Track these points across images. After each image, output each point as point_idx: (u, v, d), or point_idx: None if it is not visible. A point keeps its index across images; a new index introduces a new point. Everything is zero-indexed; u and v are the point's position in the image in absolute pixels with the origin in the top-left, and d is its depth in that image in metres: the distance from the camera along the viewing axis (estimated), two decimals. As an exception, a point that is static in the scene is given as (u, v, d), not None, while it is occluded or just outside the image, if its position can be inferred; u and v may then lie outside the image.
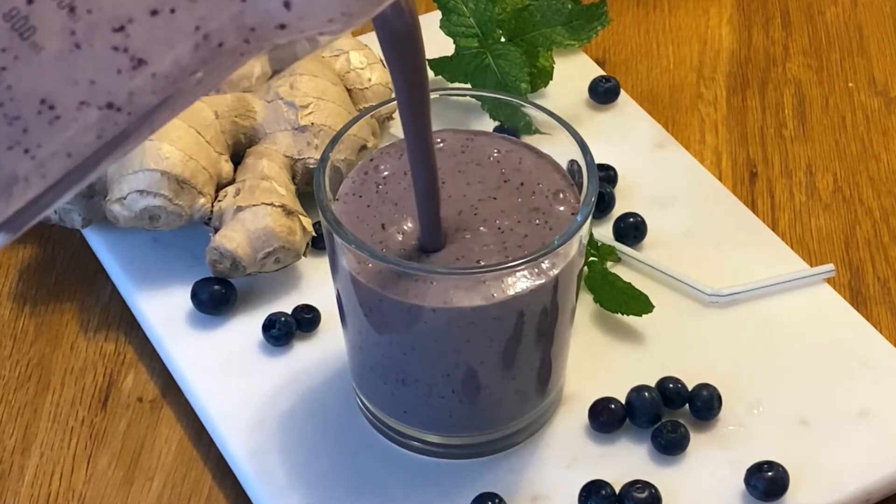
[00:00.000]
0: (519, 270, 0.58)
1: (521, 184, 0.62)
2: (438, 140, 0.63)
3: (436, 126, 0.58)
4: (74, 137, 0.39)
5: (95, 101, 0.39)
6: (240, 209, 0.70)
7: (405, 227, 0.60)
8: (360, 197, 0.61)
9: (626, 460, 0.65)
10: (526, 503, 0.63)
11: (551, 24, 0.80)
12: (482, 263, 0.58)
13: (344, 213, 0.61)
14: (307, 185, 0.74)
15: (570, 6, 0.80)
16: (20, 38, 0.38)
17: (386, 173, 0.62)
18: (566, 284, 0.61)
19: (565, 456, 0.65)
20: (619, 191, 0.77)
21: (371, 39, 0.82)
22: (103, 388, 0.70)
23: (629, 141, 0.80)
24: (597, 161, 0.62)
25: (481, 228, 0.60)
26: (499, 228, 0.60)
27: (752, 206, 0.78)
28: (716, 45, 0.89)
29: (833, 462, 0.65)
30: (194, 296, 0.71)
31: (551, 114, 0.63)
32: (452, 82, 0.80)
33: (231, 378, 0.69)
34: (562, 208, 0.61)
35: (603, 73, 0.84)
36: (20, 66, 0.38)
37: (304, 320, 0.70)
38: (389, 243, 0.60)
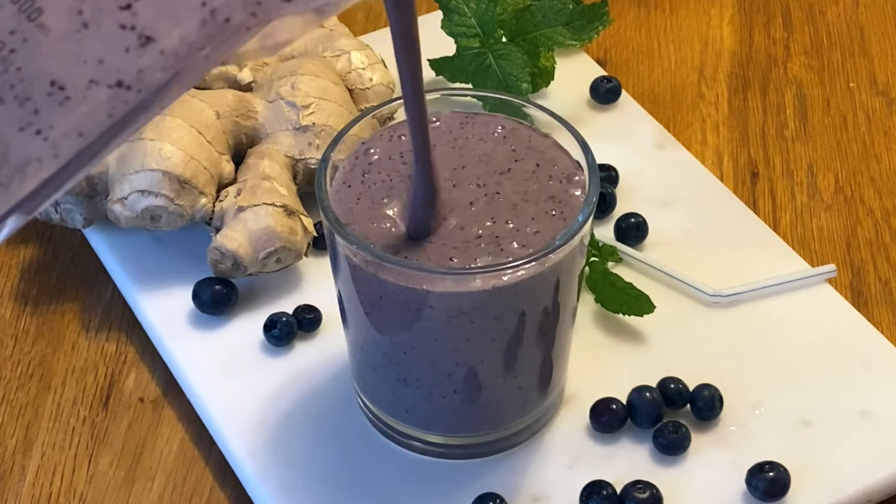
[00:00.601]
0: (520, 270, 0.58)
1: (538, 165, 0.61)
2: (434, 119, 0.63)
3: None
4: (85, 117, 0.39)
5: (105, 79, 0.39)
6: (241, 209, 0.70)
7: (394, 215, 0.60)
8: (350, 187, 0.61)
9: (627, 460, 0.65)
10: (527, 503, 0.63)
11: (552, 25, 0.80)
12: (484, 263, 0.58)
13: (336, 202, 0.60)
14: (308, 185, 0.74)
15: (571, 6, 0.80)
16: (28, 20, 0.38)
17: (376, 157, 0.62)
18: (567, 284, 0.61)
19: (566, 456, 0.65)
20: (621, 191, 0.77)
21: (372, 40, 0.82)
22: (104, 388, 0.70)
23: (630, 141, 0.80)
24: (598, 161, 0.62)
25: (487, 223, 0.59)
26: (508, 223, 0.59)
27: (754, 207, 0.78)
28: (717, 45, 0.88)
29: (834, 462, 0.65)
30: (195, 296, 0.71)
31: (552, 114, 0.63)
32: (454, 82, 0.80)
33: (232, 378, 0.69)
34: (577, 192, 0.60)
35: (604, 73, 0.84)
36: (29, 48, 0.39)
37: (306, 320, 0.70)
38: (381, 233, 0.59)
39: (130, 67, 0.39)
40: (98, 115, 0.39)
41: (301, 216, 0.71)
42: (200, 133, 0.72)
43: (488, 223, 0.59)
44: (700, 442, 0.66)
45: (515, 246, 0.58)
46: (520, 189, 0.60)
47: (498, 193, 0.60)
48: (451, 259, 0.58)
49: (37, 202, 0.41)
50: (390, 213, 0.60)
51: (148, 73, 0.39)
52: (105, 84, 0.39)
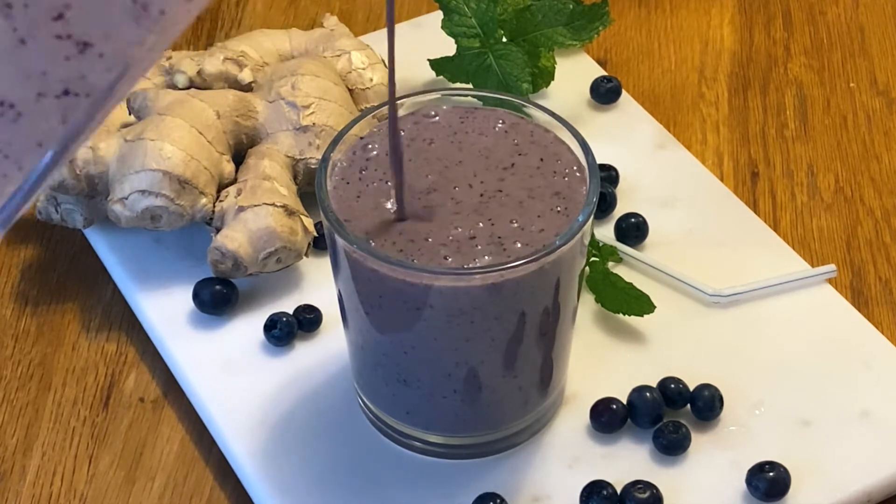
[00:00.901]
0: (520, 270, 0.58)
1: (541, 160, 0.61)
2: (433, 112, 0.63)
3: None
4: (40, 129, 0.40)
5: (51, 91, 0.39)
6: (241, 209, 0.70)
7: (393, 210, 0.60)
8: (349, 183, 0.61)
9: (627, 461, 0.65)
10: (527, 503, 0.63)
11: (553, 25, 0.80)
12: (484, 263, 0.58)
13: (335, 198, 0.60)
14: (309, 186, 0.74)
15: (571, 6, 0.80)
16: None
17: (374, 153, 0.62)
18: (567, 284, 0.61)
19: (567, 456, 0.65)
20: (621, 191, 0.77)
21: (372, 40, 0.82)
22: (105, 388, 0.70)
23: (631, 141, 0.80)
24: (598, 161, 0.62)
25: (490, 220, 0.59)
26: (513, 223, 0.59)
27: (754, 207, 0.78)
28: (717, 45, 0.88)
29: (834, 462, 0.65)
30: (196, 296, 0.71)
31: (553, 114, 0.63)
32: (454, 82, 0.80)
33: (233, 378, 0.69)
34: (582, 187, 0.60)
35: (604, 73, 0.84)
36: None
37: (306, 320, 0.70)
38: (381, 230, 0.59)
39: (73, 75, 0.39)
40: (52, 124, 0.40)
41: (301, 216, 0.71)
42: (201, 133, 0.72)
43: (491, 221, 0.59)
44: (700, 442, 0.66)
45: (518, 245, 0.58)
46: (525, 185, 0.60)
47: (500, 191, 0.60)
48: (445, 258, 0.58)
49: (10, 214, 0.41)
50: (389, 208, 0.60)
51: (92, 76, 0.39)
52: (52, 95, 0.39)
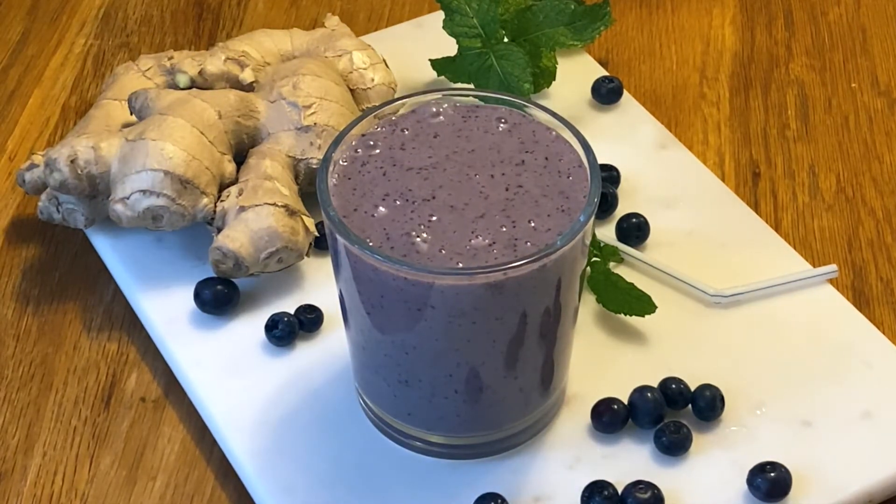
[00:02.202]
0: (521, 270, 0.58)
1: (546, 158, 0.61)
2: (434, 109, 0.63)
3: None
4: None
5: None
6: (242, 209, 0.70)
7: (394, 209, 0.60)
8: (349, 179, 0.61)
9: (628, 461, 0.65)
10: (528, 503, 0.63)
11: (554, 25, 0.80)
12: (486, 263, 0.58)
13: (336, 196, 0.61)
14: (310, 186, 0.74)
15: (573, 6, 0.80)
16: None
17: (377, 151, 0.62)
18: (568, 285, 0.61)
19: (568, 456, 0.65)
20: (622, 191, 0.77)
21: (373, 40, 0.82)
22: (106, 388, 0.70)
23: (632, 141, 0.80)
24: (600, 161, 0.62)
25: (512, 223, 0.59)
26: (529, 221, 0.59)
27: (755, 207, 0.78)
28: (719, 45, 0.89)
29: (835, 463, 0.65)
30: (197, 296, 0.71)
31: (554, 114, 0.63)
32: (455, 83, 0.80)
33: (234, 378, 0.69)
34: (584, 187, 0.60)
35: (606, 73, 0.84)
36: None
37: (307, 320, 0.70)
38: (380, 230, 0.59)
39: None
40: None
41: (303, 216, 0.71)
42: (202, 133, 0.72)
43: (513, 223, 0.59)
44: (701, 442, 0.66)
45: (528, 244, 0.58)
46: (539, 182, 0.61)
47: (521, 186, 0.60)
48: (458, 265, 0.58)
49: None
50: (389, 206, 0.60)
51: None
52: None
